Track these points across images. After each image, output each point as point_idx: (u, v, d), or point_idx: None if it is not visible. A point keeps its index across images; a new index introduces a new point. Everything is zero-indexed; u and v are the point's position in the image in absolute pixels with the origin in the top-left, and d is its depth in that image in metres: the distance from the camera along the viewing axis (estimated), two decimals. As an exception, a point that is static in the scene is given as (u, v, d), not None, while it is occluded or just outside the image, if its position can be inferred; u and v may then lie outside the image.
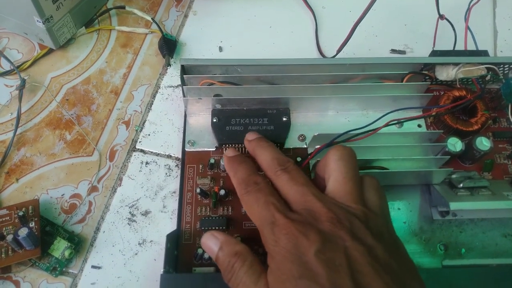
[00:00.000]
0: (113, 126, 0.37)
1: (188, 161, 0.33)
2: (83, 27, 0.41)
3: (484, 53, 0.37)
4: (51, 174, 0.34)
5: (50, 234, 0.31)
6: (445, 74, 0.35)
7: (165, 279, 0.27)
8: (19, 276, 0.30)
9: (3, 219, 0.30)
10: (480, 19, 0.43)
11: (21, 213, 0.30)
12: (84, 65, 0.40)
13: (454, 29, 0.38)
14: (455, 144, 0.32)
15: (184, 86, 0.33)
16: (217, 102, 0.34)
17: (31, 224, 0.30)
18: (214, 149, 0.34)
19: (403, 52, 0.42)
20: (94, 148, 0.35)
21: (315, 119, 0.36)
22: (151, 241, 0.32)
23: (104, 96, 0.38)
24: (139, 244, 0.32)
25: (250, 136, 0.31)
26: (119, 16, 0.43)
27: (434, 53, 0.37)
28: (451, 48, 0.38)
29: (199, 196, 0.31)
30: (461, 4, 0.40)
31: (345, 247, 0.22)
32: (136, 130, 0.36)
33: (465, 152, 0.32)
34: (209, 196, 0.31)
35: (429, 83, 0.35)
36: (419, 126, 0.36)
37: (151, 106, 0.38)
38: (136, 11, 0.42)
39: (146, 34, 0.42)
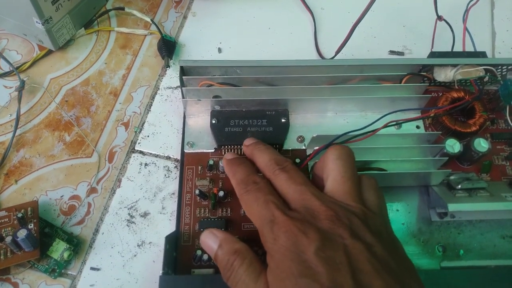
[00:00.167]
0: (112, 128, 0.37)
1: (187, 163, 0.33)
2: (82, 28, 0.41)
3: (482, 54, 0.37)
4: (50, 175, 0.34)
5: (49, 236, 0.31)
6: (444, 75, 0.35)
7: (164, 280, 0.27)
8: (18, 277, 0.30)
9: (2, 220, 0.30)
10: (478, 20, 0.44)
11: (20, 215, 0.30)
12: (83, 66, 0.40)
13: (452, 31, 0.38)
14: (453, 146, 0.32)
15: (183, 88, 0.33)
16: (216, 104, 0.34)
17: (30, 225, 0.30)
18: (213, 151, 0.34)
19: (401, 53, 0.42)
20: (93, 150, 0.35)
21: (314, 120, 0.36)
22: (150, 242, 0.32)
23: (103, 98, 0.38)
24: (138, 245, 0.32)
25: (247, 142, 0.31)
26: (118, 17, 0.43)
27: (433, 55, 0.37)
28: (450, 50, 0.39)
29: (198, 198, 0.32)
30: (459, 5, 0.40)
31: (344, 245, 0.22)
32: (135, 132, 0.36)
33: (463, 153, 0.32)
34: (208, 197, 0.31)
35: (428, 84, 0.35)
36: (418, 127, 0.36)
37: (150, 108, 0.38)
38: (135, 12, 0.42)
39: (145, 35, 0.42)
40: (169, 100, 0.38)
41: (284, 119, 0.34)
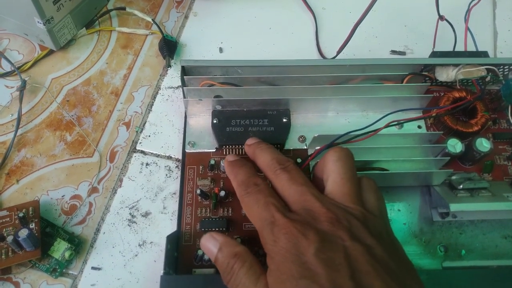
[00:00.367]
0: (113, 127, 0.37)
1: (188, 162, 0.33)
2: (84, 28, 0.41)
3: (484, 54, 0.37)
4: (51, 175, 0.34)
5: (50, 235, 0.31)
6: (445, 75, 0.35)
7: (165, 280, 0.27)
8: (19, 277, 0.30)
9: (4, 220, 0.30)
10: (480, 20, 0.43)
11: (21, 214, 0.30)
12: (85, 66, 0.40)
13: (454, 30, 0.38)
14: (455, 145, 0.32)
15: (184, 87, 0.33)
16: (217, 103, 0.34)
17: (31, 225, 0.30)
18: (214, 150, 0.34)
19: (403, 53, 0.42)
20: (95, 149, 0.35)
21: (315, 120, 0.36)
22: (151, 242, 0.32)
23: (104, 97, 0.38)
24: (139, 245, 0.32)
25: (249, 141, 0.31)
26: (120, 17, 0.43)
27: (434, 54, 0.37)
28: (451, 49, 0.38)
29: (199, 197, 0.32)
30: (461, 5, 0.40)
31: (344, 247, 0.22)
32: (137, 131, 0.36)
33: (465, 153, 0.32)
34: (209, 197, 0.31)
35: (429, 84, 0.35)
36: (419, 127, 0.36)
37: (151, 107, 0.38)
38: (136, 12, 0.42)
39: (147, 35, 0.42)
40: (170, 100, 0.38)
41: (285, 119, 0.34)
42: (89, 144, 0.36)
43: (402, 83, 0.35)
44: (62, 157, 0.35)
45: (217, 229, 0.30)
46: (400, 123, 0.34)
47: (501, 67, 0.35)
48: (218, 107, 0.34)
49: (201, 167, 0.33)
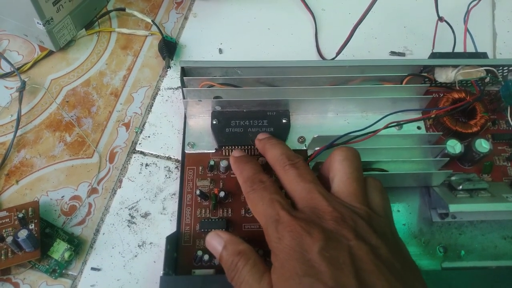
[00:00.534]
0: (113, 128, 0.37)
1: (188, 163, 0.33)
2: (83, 29, 0.41)
3: (483, 55, 0.37)
4: (51, 176, 0.34)
5: (49, 236, 0.31)
6: (445, 76, 0.35)
7: (165, 281, 0.27)
8: (19, 278, 0.30)
9: (3, 221, 0.30)
10: (479, 21, 0.43)
11: (20, 215, 0.30)
12: (84, 67, 0.40)
13: (453, 31, 0.38)
14: (454, 146, 0.32)
15: (184, 88, 0.33)
16: (217, 104, 0.34)
17: (31, 226, 0.30)
18: (214, 151, 0.34)
19: (402, 54, 0.42)
20: (94, 150, 0.35)
21: (314, 121, 0.36)
22: (150, 243, 0.32)
23: (104, 98, 0.38)
24: (138, 246, 0.32)
25: (260, 136, 0.31)
26: (119, 18, 0.43)
27: (434, 55, 0.37)
28: (451, 50, 0.38)
29: (198, 198, 0.32)
30: (461, 6, 0.40)
31: (349, 246, 0.22)
32: (136, 132, 0.36)
33: (464, 154, 0.32)
34: (208, 198, 0.31)
35: (429, 85, 0.35)
36: (419, 128, 0.36)
37: (151, 108, 0.38)
38: (136, 13, 0.42)
39: (146, 36, 0.42)
40: (170, 100, 0.38)
41: (285, 119, 0.34)
42: (89, 145, 0.36)
43: (401, 84, 0.35)
44: (62, 158, 0.35)
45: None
46: (399, 124, 0.34)
47: (500, 68, 0.35)
48: (218, 108, 0.34)
49: (200, 168, 0.33)
